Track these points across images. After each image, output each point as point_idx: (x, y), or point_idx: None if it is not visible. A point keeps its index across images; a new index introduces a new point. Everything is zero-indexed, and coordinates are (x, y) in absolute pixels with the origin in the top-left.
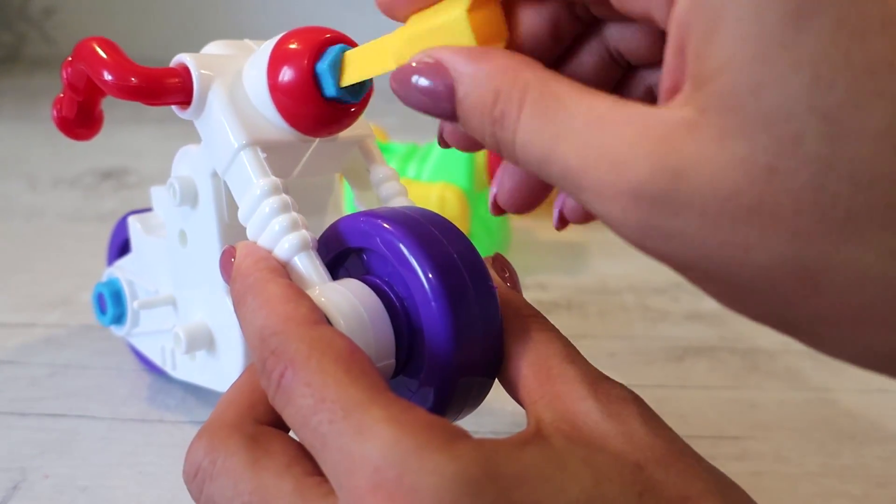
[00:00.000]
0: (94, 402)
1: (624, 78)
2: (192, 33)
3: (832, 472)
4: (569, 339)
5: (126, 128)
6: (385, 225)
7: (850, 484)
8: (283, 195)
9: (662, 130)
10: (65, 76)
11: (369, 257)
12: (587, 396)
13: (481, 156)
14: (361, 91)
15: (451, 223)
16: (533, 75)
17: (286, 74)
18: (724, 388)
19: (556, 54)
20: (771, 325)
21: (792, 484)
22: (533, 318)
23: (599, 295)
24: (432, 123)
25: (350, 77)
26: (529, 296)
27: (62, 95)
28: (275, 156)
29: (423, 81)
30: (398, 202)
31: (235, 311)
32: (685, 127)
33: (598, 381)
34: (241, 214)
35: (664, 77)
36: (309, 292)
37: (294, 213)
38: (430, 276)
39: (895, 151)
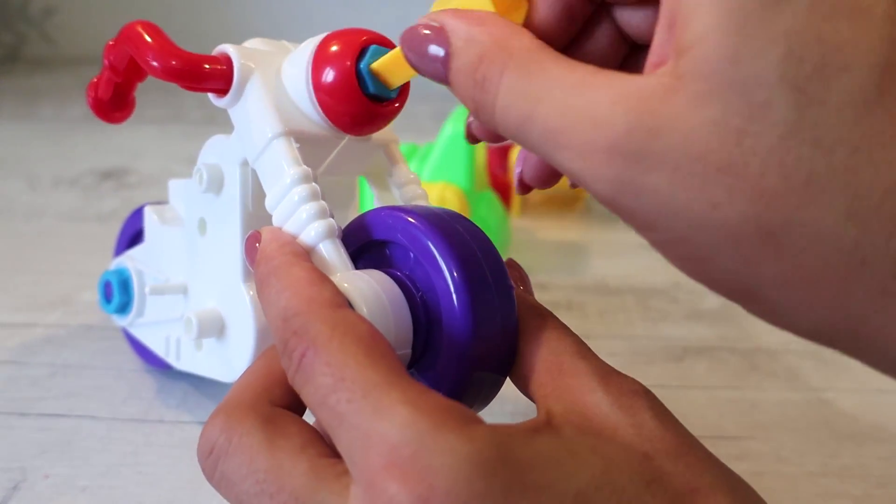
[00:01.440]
0: (94, 402)
1: (627, 58)
2: (193, 34)
3: (832, 472)
4: None
5: (126, 128)
6: (410, 219)
7: (850, 484)
8: (314, 184)
9: (641, 94)
10: (106, 58)
11: (392, 250)
12: (597, 389)
13: (481, 156)
14: (398, 88)
15: (472, 223)
16: (519, 43)
17: (329, 75)
18: (724, 388)
19: (570, 35)
20: (727, 290)
21: (792, 484)
22: (545, 317)
23: (599, 295)
24: (432, 123)
25: (395, 77)
26: None
27: (98, 78)
28: (305, 150)
29: (426, 44)
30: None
31: (259, 293)
32: (663, 91)
33: (609, 375)
34: (268, 202)
35: (652, 52)
36: (332, 278)
37: (322, 202)
38: (454, 270)
39: (855, 121)
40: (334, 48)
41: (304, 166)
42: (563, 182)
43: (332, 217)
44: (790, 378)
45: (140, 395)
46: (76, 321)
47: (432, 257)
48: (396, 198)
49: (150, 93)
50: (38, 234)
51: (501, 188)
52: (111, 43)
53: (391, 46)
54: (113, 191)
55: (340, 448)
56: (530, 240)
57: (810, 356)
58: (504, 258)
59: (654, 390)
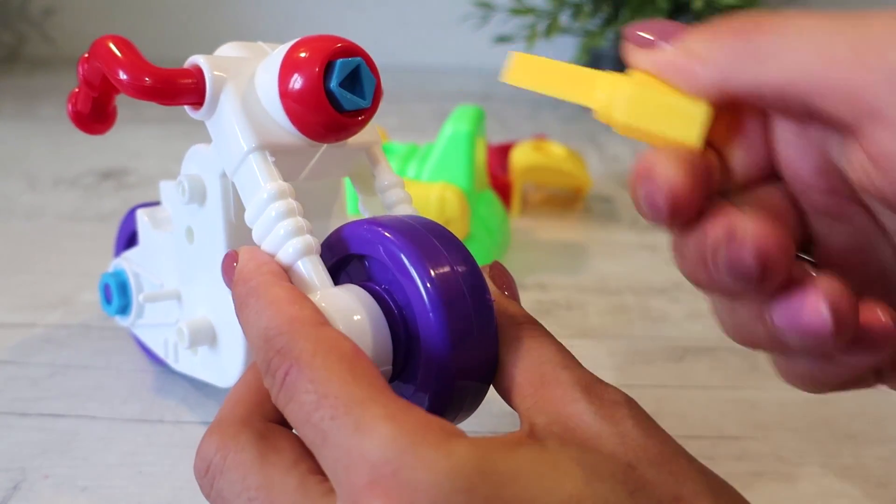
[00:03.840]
0: (94, 402)
1: None
2: (193, 33)
3: (832, 472)
4: (568, 340)
5: (126, 128)
6: (387, 234)
7: (850, 484)
8: (290, 200)
9: None
10: (81, 72)
11: (371, 264)
12: (580, 399)
13: (481, 156)
14: (371, 95)
15: (450, 233)
16: None
17: (296, 83)
18: (724, 388)
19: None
20: None
21: (792, 484)
22: (527, 325)
23: (599, 295)
24: (432, 123)
25: (516, 80)
26: (529, 296)
27: (77, 90)
28: (283, 159)
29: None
30: (402, 209)
31: (238, 313)
32: None
33: (591, 385)
34: (247, 216)
35: None
36: (311, 296)
37: (299, 218)
38: (429, 286)
39: None
40: (303, 54)
41: (280, 182)
42: (563, 183)
43: (311, 233)
44: None
45: (140, 395)
46: (76, 321)
47: (408, 273)
48: (380, 202)
49: None
50: (38, 234)
51: (501, 188)
52: (84, 57)
53: (362, 55)
54: (113, 191)
55: (325, 466)
56: (530, 240)
57: None
58: (504, 258)
59: (654, 390)
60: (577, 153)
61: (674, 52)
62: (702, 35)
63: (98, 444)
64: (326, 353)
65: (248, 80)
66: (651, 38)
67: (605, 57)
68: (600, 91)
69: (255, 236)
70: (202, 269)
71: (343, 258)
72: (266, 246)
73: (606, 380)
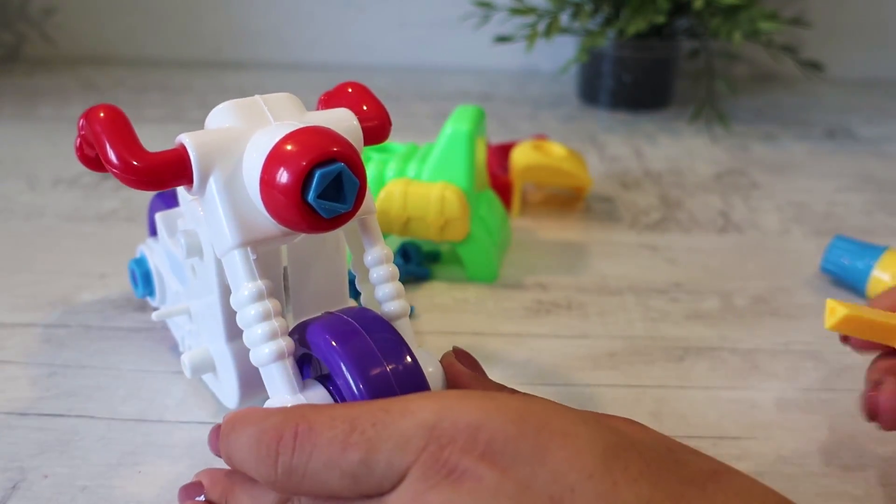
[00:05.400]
0: (93, 402)
1: None
2: (193, 33)
3: (832, 472)
4: (568, 340)
5: None
6: (333, 343)
7: (850, 484)
8: (266, 302)
9: None
10: (80, 130)
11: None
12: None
13: (481, 156)
14: (353, 199)
15: (394, 333)
16: None
17: (274, 189)
18: (724, 388)
19: None
20: None
21: (792, 484)
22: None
23: (599, 295)
24: (432, 123)
25: (844, 329)
26: (529, 296)
27: (78, 141)
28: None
29: None
30: (385, 290)
31: (225, 454)
32: None
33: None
34: (232, 302)
35: None
36: (276, 400)
37: (273, 322)
38: (360, 388)
39: None
40: (282, 163)
41: (258, 283)
42: (563, 183)
43: (283, 336)
44: (790, 378)
45: (140, 395)
46: (76, 321)
47: (346, 382)
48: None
49: (150, 93)
50: (38, 234)
51: (501, 188)
52: (81, 122)
53: (345, 158)
54: (112, 191)
55: (378, 471)
56: (530, 240)
57: (810, 356)
58: (504, 258)
59: (654, 390)
60: (577, 153)
61: None
62: None
63: (97, 444)
64: (329, 406)
65: (237, 162)
66: None
67: (606, 57)
68: None
69: (239, 323)
70: (203, 306)
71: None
72: (245, 337)
73: (606, 379)
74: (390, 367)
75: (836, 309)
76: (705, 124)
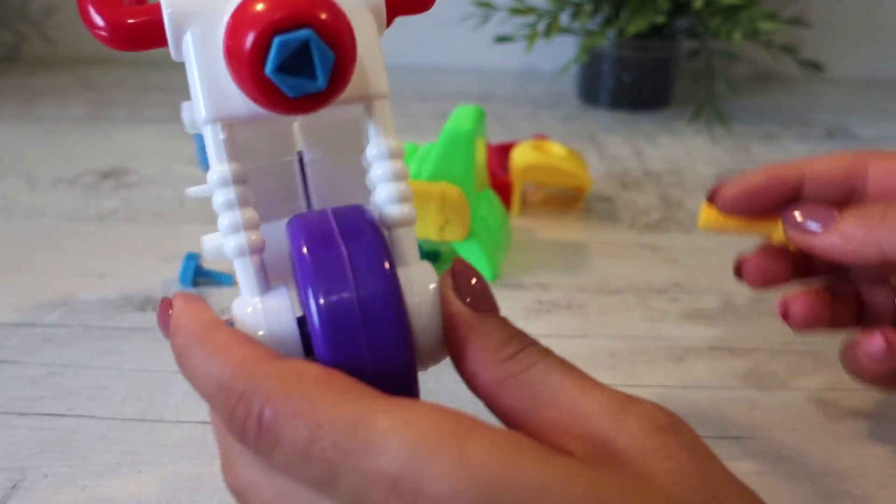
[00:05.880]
0: (93, 402)
1: None
2: None
3: (832, 472)
4: (568, 340)
5: (126, 128)
6: (304, 251)
7: (850, 484)
8: (231, 189)
9: None
10: None
11: None
12: (619, 422)
13: (481, 156)
14: (326, 75)
15: (375, 230)
16: None
17: (232, 61)
18: (724, 388)
19: None
20: None
21: (792, 484)
22: (529, 349)
23: (599, 295)
24: (432, 123)
25: (714, 227)
26: (529, 296)
27: None
28: (250, 124)
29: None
30: (386, 190)
31: (181, 364)
32: None
33: (629, 403)
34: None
35: None
36: (238, 302)
37: (240, 211)
38: (317, 322)
39: None
40: (242, 23)
41: (225, 167)
42: (563, 182)
43: (252, 228)
44: (790, 378)
45: (140, 394)
46: (76, 321)
47: (306, 302)
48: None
49: (150, 93)
50: (38, 234)
51: (501, 188)
52: None
53: (314, 23)
54: (112, 190)
55: (341, 499)
56: (530, 240)
57: (810, 356)
58: (504, 258)
59: (654, 390)
60: (577, 153)
61: (836, 238)
62: (854, 221)
63: (98, 444)
64: (299, 382)
65: (216, 21)
66: (813, 225)
67: (605, 57)
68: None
69: (215, 208)
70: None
71: None
72: (218, 229)
73: (606, 379)
74: (361, 293)
75: (708, 211)
76: (705, 124)
